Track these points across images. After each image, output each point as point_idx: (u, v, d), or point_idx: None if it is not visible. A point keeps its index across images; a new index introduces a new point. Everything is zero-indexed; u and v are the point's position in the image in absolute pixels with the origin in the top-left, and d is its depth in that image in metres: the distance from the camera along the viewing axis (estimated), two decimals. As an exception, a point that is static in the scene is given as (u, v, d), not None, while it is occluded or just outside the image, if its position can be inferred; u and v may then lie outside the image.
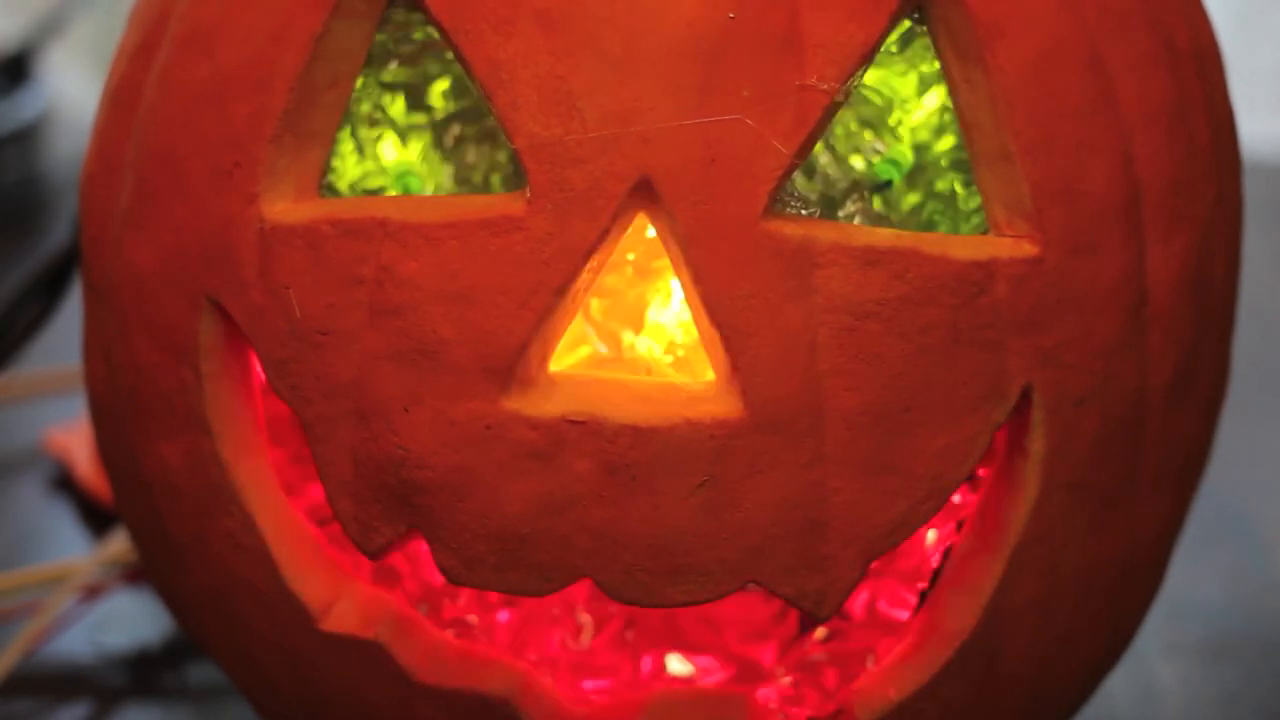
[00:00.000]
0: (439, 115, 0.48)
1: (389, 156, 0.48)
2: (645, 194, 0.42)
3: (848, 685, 0.47)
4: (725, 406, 0.43)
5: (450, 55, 0.46)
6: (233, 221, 0.45)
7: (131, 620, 0.63)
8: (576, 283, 0.43)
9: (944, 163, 0.47)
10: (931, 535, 0.49)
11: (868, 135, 0.47)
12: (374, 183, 0.48)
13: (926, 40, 0.45)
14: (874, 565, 0.47)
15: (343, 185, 0.48)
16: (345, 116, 0.47)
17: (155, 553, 0.50)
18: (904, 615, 0.49)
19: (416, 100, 0.48)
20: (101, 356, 0.49)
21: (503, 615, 0.49)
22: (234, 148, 0.45)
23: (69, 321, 0.59)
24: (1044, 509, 0.45)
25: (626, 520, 0.43)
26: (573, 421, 0.42)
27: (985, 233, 0.45)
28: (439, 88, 0.48)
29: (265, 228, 0.45)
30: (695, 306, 0.43)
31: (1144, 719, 0.60)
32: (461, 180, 0.48)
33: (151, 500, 0.48)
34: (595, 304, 0.47)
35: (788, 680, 0.49)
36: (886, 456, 0.43)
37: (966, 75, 0.44)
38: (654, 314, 0.47)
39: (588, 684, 0.49)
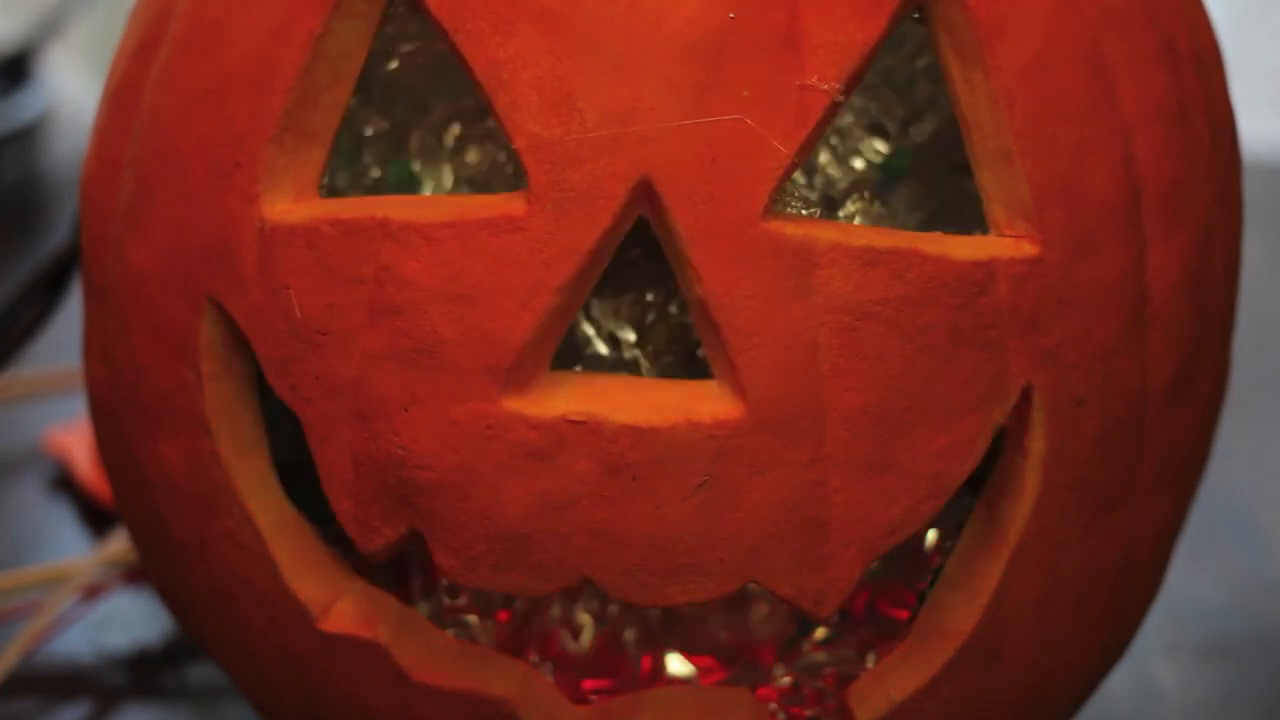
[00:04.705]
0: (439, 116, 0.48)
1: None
2: (645, 194, 0.42)
3: (847, 685, 0.47)
4: (725, 406, 0.43)
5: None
6: (233, 221, 0.45)
7: (131, 620, 0.63)
8: (576, 283, 0.43)
9: (944, 163, 0.47)
10: (931, 535, 0.49)
11: (868, 136, 0.47)
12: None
13: (927, 39, 0.45)
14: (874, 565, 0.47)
15: (342, 185, 0.48)
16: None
17: (155, 553, 0.50)
18: (904, 615, 0.49)
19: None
20: (101, 356, 0.49)
21: (503, 615, 0.49)
22: (234, 148, 0.45)
23: (69, 321, 0.59)
24: (1044, 509, 0.45)
25: (626, 520, 0.43)
26: (573, 421, 0.42)
27: (985, 233, 0.45)
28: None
29: (265, 228, 0.45)
30: (695, 306, 0.43)
31: (1144, 719, 0.60)
32: (462, 180, 0.48)
33: (151, 500, 0.48)
34: (595, 304, 0.47)
35: (788, 680, 0.49)
36: (886, 456, 0.43)
37: (966, 75, 0.44)
38: (654, 314, 0.47)
39: (588, 684, 0.49)
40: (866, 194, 0.47)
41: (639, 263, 0.47)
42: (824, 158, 0.47)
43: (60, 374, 0.78)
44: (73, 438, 0.73)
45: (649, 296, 0.47)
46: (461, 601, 0.49)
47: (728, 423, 0.42)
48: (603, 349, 0.48)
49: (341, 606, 0.46)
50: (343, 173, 0.48)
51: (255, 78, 0.45)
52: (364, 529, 0.45)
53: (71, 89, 1.19)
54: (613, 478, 0.42)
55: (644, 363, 0.47)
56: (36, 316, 0.64)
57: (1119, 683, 0.61)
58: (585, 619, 0.50)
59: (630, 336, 0.48)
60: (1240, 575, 0.68)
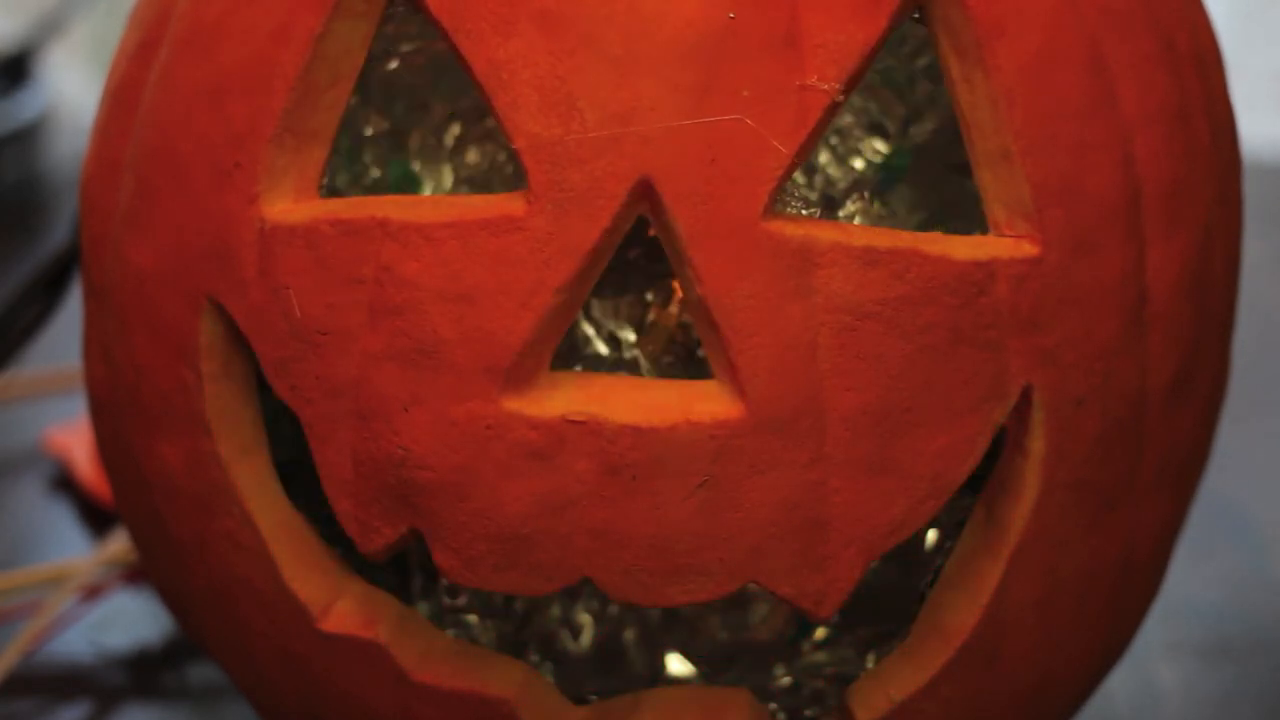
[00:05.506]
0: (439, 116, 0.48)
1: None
2: (645, 194, 0.42)
3: (847, 685, 0.47)
4: (725, 406, 0.43)
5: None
6: (233, 221, 0.45)
7: (131, 620, 0.63)
8: (576, 283, 0.43)
9: (944, 163, 0.47)
10: (931, 535, 0.49)
11: (868, 136, 0.47)
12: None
13: (927, 39, 0.45)
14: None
15: (342, 185, 0.48)
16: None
17: (155, 553, 0.50)
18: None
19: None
20: (101, 356, 0.49)
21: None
22: (234, 148, 0.45)
23: (69, 321, 0.59)
24: (1044, 509, 0.45)
25: (626, 520, 0.43)
26: (573, 421, 0.42)
27: (985, 233, 0.45)
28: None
29: (265, 228, 0.45)
30: (695, 306, 0.43)
31: (1144, 719, 0.60)
32: (461, 180, 0.48)
33: (151, 500, 0.48)
34: (595, 304, 0.47)
35: (788, 680, 0.49)
36: (886, 456, 0.43)
37: (966, 75, 0.44)
38: (654, 314, 0.47)
39: (588, 684, 0.49)
40: (866, 194, 0.47)
41: (639, 263, 0.47)
42: (824, 158, 0.47)
43: (60, 374, 0.78)
44: (73, 438, 0.73)
45: (649, 296, 0.47)
46: (461, 601, 0.50)
47: (728, 423, 0.42)
48: (603, 349, 0.48)
49: (341, 606, 0.46)
50: (343, 173, 0.48)
51: (255, 78, 0.45)
52: (364, 529, 0.45)
53: (71, 89, 1.19)
54: (613, 478, 0.42)
55: (644, 363, 0.47)
56: (36, 316, 0.64)
57: (1119, 683, 0.61)
58: (585, 619, 0.50)
59: (630, 336, 0.48)
60: (1240, 575, 0.68)
